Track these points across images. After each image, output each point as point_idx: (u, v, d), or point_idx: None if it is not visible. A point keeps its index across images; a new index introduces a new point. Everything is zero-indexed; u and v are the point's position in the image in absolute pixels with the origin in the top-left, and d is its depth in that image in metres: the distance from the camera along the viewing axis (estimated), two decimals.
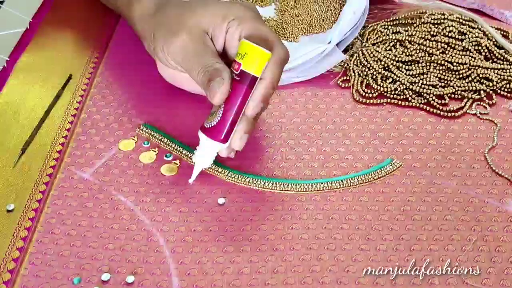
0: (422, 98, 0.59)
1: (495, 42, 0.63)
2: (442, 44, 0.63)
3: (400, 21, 0.67)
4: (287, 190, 0.51)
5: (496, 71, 0.61)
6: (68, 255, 0.46)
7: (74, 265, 0.45)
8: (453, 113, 0.58)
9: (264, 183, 0.51)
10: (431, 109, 0.58)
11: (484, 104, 0.59)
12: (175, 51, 0.50)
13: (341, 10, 0.66)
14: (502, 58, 0.62)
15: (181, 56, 0.50)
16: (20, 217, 0.48)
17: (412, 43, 0.63)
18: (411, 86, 0.60)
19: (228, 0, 0.52)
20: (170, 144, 0.54)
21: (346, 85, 0.61)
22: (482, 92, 0.60)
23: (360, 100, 0.59)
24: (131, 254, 0.46)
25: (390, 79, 0.61)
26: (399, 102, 0.59)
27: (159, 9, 0.54)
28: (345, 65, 0.63)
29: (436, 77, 0.61)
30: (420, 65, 0.62)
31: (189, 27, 0.50)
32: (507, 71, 0.61)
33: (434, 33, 0.64)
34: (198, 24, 0.50)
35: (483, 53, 0.62)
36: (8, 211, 0.48)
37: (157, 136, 0.55)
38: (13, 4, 0.69)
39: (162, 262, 0.45)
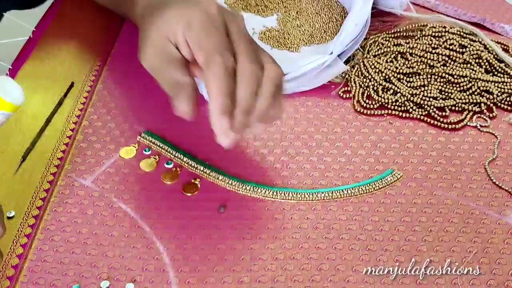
0: (423, 110, 0.60)
1: (496, 56, 0.64)
2: (443, 57, 0.63)
3: (401, 34, 0.68)
4: (288, 199, 0.51)
5: (496, 84, 0.61)
6: (67, 262, 0.45)
7: (74, 273, 0.45)
8: (453, 125, 0.58)
9: (265, 191, 0.51)
10: (432, 121, 0.59)
11: (484, 117, 0.59)
12: (145, 64, 0.50)
13: (343, 22, 0.67)
14: (502, 71, 0.63)
15: (150, 69, 0.50)
16: (20, 224, 0.48)
17: (413, 55, 0.64)
18: (412, 98, 0.60)
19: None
20: (171, 152, 0.54)
21: (347, 96, 0.61)
22: (482, 104, 0.60)
23: (361, 111, 0.60)
24: (131, 261, 0.46)
25: (391, 91, 0.61)
26: (400, 114, 0.59)
27: (146, 12, 0.53)
28: (347, 76, 0.63)
29: (437, 89, 0.61)
30: (421, 77, 0.62)
31: (152, 39, 0.49)
32: (508, 84, 0.61)
33: (435, 46, 0.64)
34: (160, 34, 0.49)
35: (484, 66, 0.63)
36: (9, 217, 0.48)
37: (158, 144, 0.55)
38: (17, 13, 0.70)
39: (162, 270, 0.45)
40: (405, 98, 0.60)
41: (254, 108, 0.47)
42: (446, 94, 0.61)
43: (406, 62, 0.63)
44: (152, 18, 0.51)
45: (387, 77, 0.62)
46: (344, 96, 0.61)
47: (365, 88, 0.62)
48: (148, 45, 0.49)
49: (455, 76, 0.62)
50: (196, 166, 0.53)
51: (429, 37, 0.65)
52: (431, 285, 0.45)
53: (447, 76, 0.62)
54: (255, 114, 0.47)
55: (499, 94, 0.61)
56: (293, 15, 0.71)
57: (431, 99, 0.60)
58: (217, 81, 0.45)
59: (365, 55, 0.65)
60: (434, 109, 0.59)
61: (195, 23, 0.47)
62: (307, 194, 0.51)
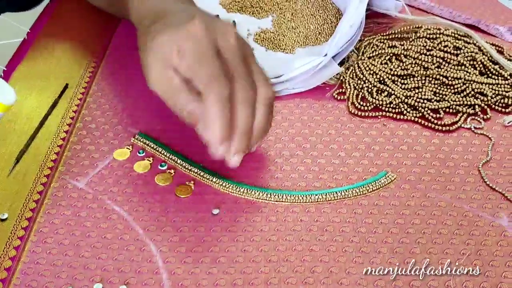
0: (417, 112, 0.60)
1: (490, 57, 0.64)
2: (438, 59, 0.63)
3: (396, 35, 0.68)
4: (282, 201, 0.51)
5: (491, 86, 0.61)
6: (60, 264, 0.45)
7: (67, 275, 0.45)
8: (447, 127, 0.58)
9: (259, 193, 0.51)
10: (426, 123, 0.59)
11: (478, 119, 0.60)
12: (155, 90, 0.50)
13: (337, 24, 0.67)
14: (496, 73, 0.63)
15: (161, 95, 0.50)
16: (13, 226, 0.48)
17: (408, 57, 0.64)
18: (406, 100, 0.60)
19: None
20: (165, 154, 0.54)
21: (341, 98, 0.61)
22: (476, 106, 0.60)
23: (356, 113, 0.60)
24: (124, 264, 0.46)
25: (386, 93, 0.61)
26: (394, 116, 0.59)
27: (141, 24, 0.54)
28: (341, 78, 0.63)
29: (431, 91, 0.61)
30: (415, 79, 0.62)
31: (151, 65, 0.49)
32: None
33: (430, 48, 0.64)
34: (157, 60, 0.48)
35: (478, 68, 0.63)
36: (1, 220, 0.48)
37: (152, 146, 0.55)
38: (12, 14, 0.70)
39: (155, 272, 0.45)
40: (400, 100, 0.60)
41: (251, 129, 0.48)
42: (441, 96, 0.61)
43: (401, 64, 0.63)
44: (147, 38, 0.50)
45: (381, 79, 0.62)
46: (339, 97, 0.62)
47: (359, 90, 0.62)
48: (149, 70, 0.49)
49: (450, 78, 0.62)
50: (190, 168, 0.53)
51: (424, 39, 0.65)
52: (424, 287, 0.45)
53: (441, 78, 0.62)
54: (254, 135, 0.48)
55: (493, 96, 0.61)
56: (288, 17, 0.71)
57: (425, 101, 0.60)
58: (216, 112, 0.46)
59: (359, 57, 0.65)
60: (429, 111, 0.59)
61: (186, 51, 0.47)
62: (301, 196, 0.51)
